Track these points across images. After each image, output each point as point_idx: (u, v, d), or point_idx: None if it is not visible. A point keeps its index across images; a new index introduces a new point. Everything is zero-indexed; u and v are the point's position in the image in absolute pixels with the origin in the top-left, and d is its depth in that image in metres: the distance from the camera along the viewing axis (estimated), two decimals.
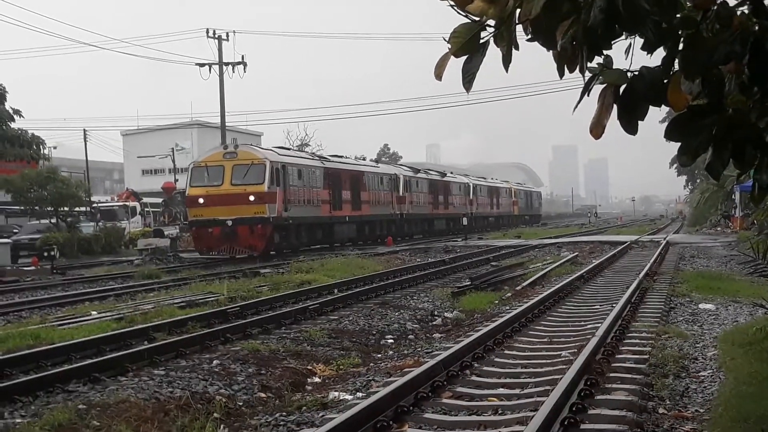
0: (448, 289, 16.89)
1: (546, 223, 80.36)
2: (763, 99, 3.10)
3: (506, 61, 2.98)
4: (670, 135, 3.07)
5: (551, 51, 3.01)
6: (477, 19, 2.90)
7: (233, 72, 39.60)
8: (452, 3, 2.91)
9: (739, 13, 2.93)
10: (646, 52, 2.96)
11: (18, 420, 6.84)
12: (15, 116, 34.17)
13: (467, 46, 2.92)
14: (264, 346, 10.10)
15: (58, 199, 35.39)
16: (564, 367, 7.56)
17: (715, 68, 2.96)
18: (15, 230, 39.09)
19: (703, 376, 7.88)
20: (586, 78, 3.03)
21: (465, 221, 50.05)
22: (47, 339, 10.93)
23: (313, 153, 41.01)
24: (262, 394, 8.07)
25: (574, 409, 6.04)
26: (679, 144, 3.09)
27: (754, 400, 6.31)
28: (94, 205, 44.37)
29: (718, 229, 43.87)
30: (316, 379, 8.83)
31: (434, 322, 12.89)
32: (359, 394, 7.56)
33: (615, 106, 3.05)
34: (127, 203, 46.94)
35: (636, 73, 2.99)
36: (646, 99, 2.99)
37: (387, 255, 29.45)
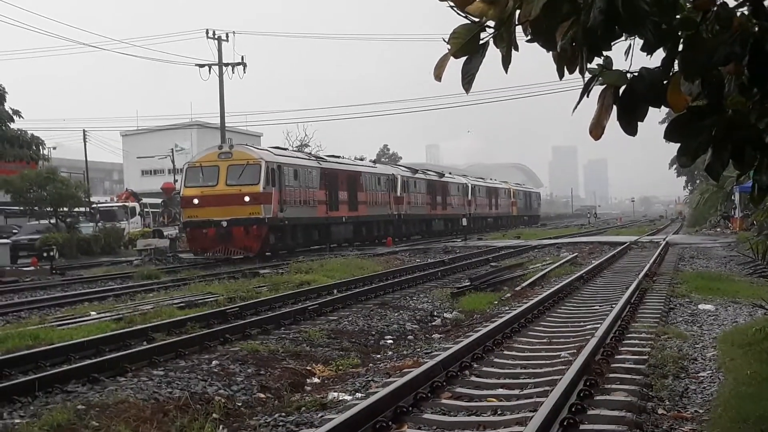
0: (448, 289, 16.88)
1: (545, 224, 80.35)
2: (763, 100, 3.10)
3: (506, 62, 2.99)
4: (669, 136, 3.07)
5: (551, 52, 3.01)
6: (477, 19, 2.90)
7: (233, 72, 39.56)
8: (452, 4, 2.91)
9: (738, 14, 2.93)
10: (645, 53, 2.96)
11: (17, 420, 6.83)
12: (14, 117, 34.09)
13: (467, 46, 2.92)
14: (263, 347, 10.10)
15: (57, 200, 35.36)
16: (563, 367, 7.56)
17: (714, 69, 2.96)
18: (14, 230, 39.08)
19: (703, 376, 7.88)
20: (586, 79, 3.03)
21: (464, 222, 50.02)
22: (46, 339, 10.94)
23: (310, 153, 40.85)
24: (261, 395, 8.07)
25: (573, 409, 6.05)
26: (678, 145, 3.09)
27: (753, 400, 6.31)
28: (94, 205, 44.33)
29: (718, 229, 43.88)
30: (316, 380, 8.83)
31: (433, 323, 12.88)
32: (358, 395, 7.56)
33: (614, 107, 3.05)
34: (126, 204, 46.85)
35: (636, 74, 2.99)
36: (646, 100, 2.99)
37: (386, 255, 29.44)
